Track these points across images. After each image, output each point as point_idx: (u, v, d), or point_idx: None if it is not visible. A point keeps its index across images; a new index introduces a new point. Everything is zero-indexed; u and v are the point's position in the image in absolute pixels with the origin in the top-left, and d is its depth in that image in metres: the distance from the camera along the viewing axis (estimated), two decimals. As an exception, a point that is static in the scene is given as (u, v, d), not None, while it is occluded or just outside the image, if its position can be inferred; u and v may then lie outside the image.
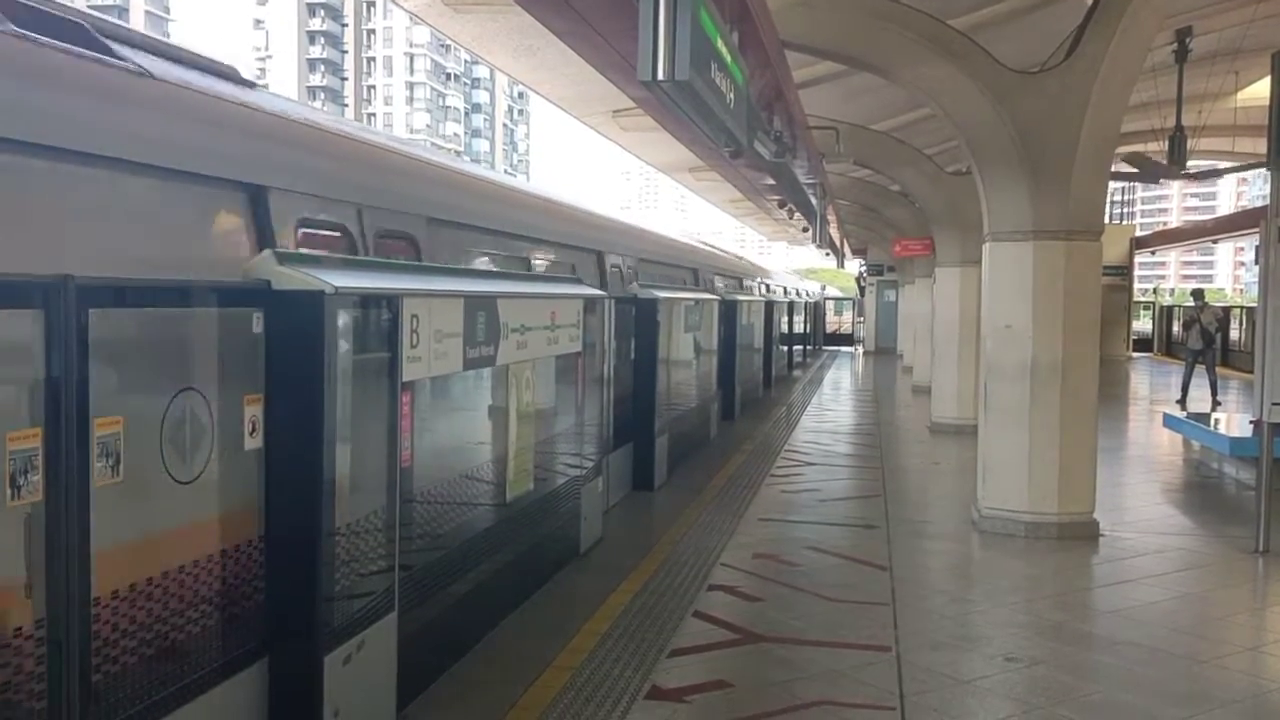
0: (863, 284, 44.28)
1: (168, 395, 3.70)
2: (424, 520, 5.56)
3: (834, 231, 27.63)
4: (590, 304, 8.56)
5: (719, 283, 18.34)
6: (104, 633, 3.39)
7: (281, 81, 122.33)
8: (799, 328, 35.25)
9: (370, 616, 4.74)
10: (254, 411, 4.16)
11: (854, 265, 48.02)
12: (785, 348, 30.19)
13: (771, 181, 15.74)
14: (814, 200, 17.14)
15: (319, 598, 4.29)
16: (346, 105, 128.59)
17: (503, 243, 7.71)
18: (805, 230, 23.54)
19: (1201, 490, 12.40)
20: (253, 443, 4.16)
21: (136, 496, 3.54)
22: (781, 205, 19.68)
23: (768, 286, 27.33)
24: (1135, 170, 17.49)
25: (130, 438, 3.45)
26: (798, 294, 35.10)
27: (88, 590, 3.28)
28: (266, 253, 4.25)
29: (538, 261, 8.67)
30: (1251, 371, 9.62)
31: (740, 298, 19.61)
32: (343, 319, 4.41)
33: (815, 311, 43.76)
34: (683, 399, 13.48)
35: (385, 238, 5.50)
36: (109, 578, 3.40)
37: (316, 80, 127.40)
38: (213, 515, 3.98)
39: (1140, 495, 11.73)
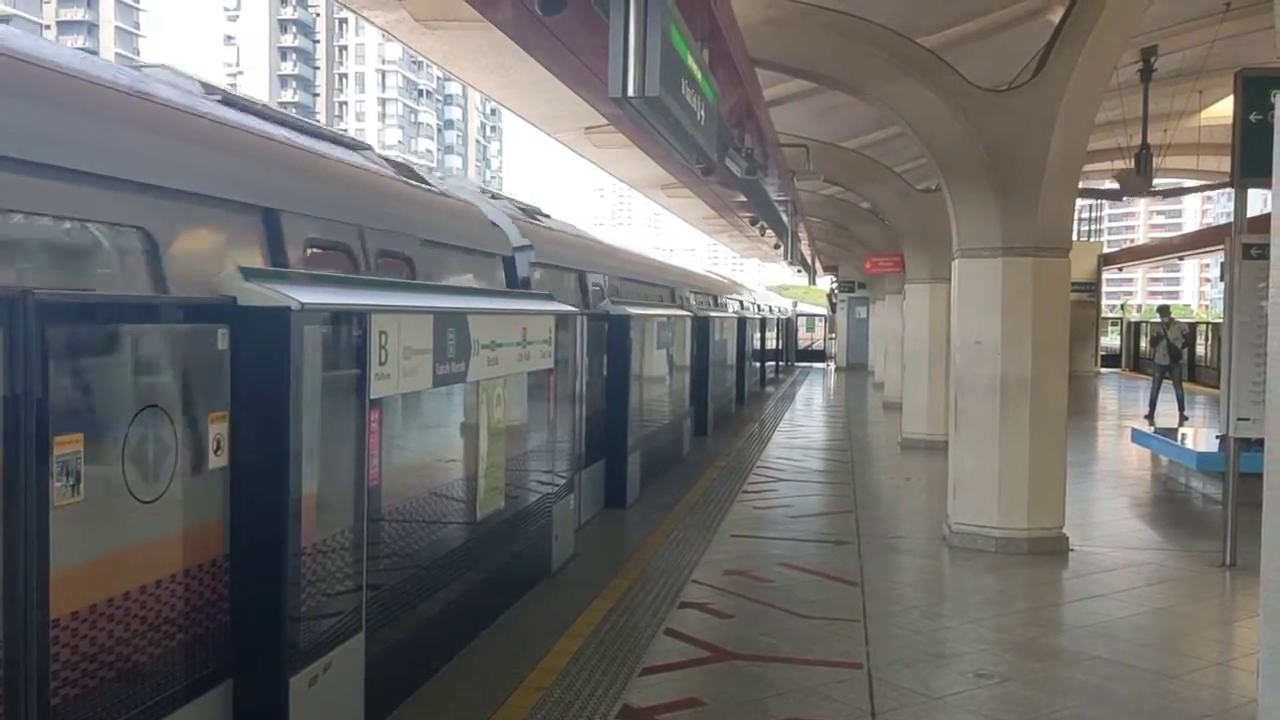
0: (834, 300, 44.46)
1: (130, 413, 3.65)
2: (392, 539, 5.51)
3: (805, 248, 27.75)
4: (562, 320, 8.54)
5: (692, 299, 18.52)
6: (63, 654, 3.32)
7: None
8: (771, 344, 35.38)
9: (337, 637, 4.68)
10: (219, 429, 4.11)
11: (825, 282, 48.23)
12: (758, 364, 30.28)
13: (743, 198, 15.79)
14: (785, 217, 17.23)
15: (285, 618, 4.24)
16: (318, 121, 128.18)
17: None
18: (777, 247, 23.63)
19: (1169, 505, 12.49)
20: (218, 461, 4.11)
21: (97, 516, 3.48)
22: (753, 222, 19.73)
23: (741, 303, 27.50)
24: (1106, 188, 17.70)
25: (91, 456, 3.40)
26: (770, 310, 35.23)
27: (46, 611, 3.21)
28: (232, 268, 4.21)
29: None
30: (1217, 386, 9.70)
31: (713, 314, 19.65)
32: (310, 335, 4.37)
33: (787, 328, 43.93)
34: (655, 415, 13.46)
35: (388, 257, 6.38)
36: (69, 598, 3.34)
37: (289, 96, 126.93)
38: (176, 535, 3.92)
39: (1109, 510, 11.81)
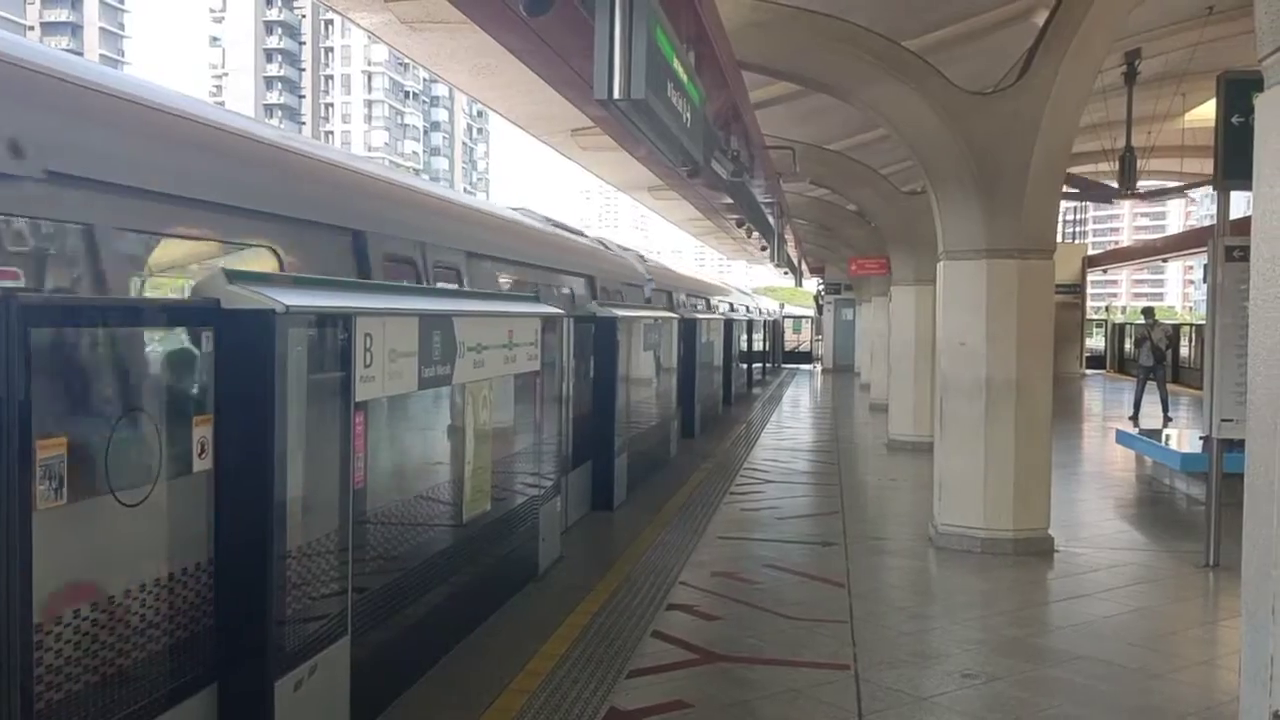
0: (820, 302, 44.54)
1: (114, 416, 3.63)
2: (378, 542, 5.50)
3: (792, 250, 27.81)
4: (548, 322, 8.54)
5: (723, 305, 21.98)
6: (47, 659, 3.31)
7: (238, 99, 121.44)
8: (758, 345, 35.42)
9: (322, 641, 4.66)
10: (203, 432, 4.09)
11: (812, 283, 48.33)
12: (745, 365, 30.31)
13: (729, 200, 15.80)
14: (771, 219, 17.26)
15: (270, 622, 4.22)
16: (303, 123, 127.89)
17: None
18: (764, 249, 23.66)
19: (1154, 505, 12.55)
20: (202, 464, 4.09)
21: (81, 520, 3.47)
22: (740, 224, 19.75)
23: (731, 305, 27.70)
24: (1082, 190, 17.80)
25: (74, 459, 3.38)
26: (757, 312, 35.26)
27: (30, 615, 3.20)
28: (216, 270, 4.19)
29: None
30: (1201, 388, 9.76)
31: (700, 316, 19.67)
32: (294, 338, 4.36)
33: (774, 329, 43.98)
34: (642, 417, 13.46)
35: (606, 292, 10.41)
36: (52, 603, 3.32)
37: (274, 98, 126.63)
38: (160, 538, 3.91)
39: (1094, 511, 11.86)
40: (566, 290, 11.54)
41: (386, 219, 6.69)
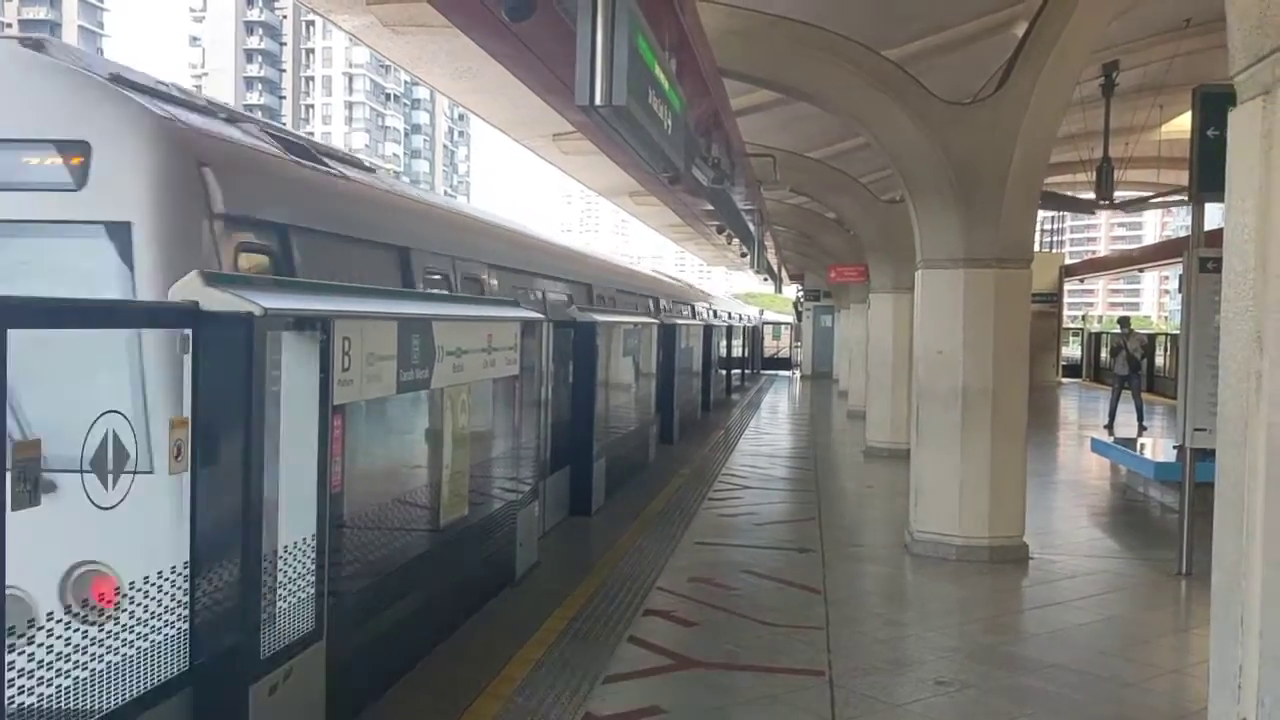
0: (800, 309, 44.66)
1: (90, 417, 3.61)
2: (355, 546, 5.48)
3: (772, 257, 27.86)
4: (528, 327, 8.54)
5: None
6: (18, 662, 3.28)
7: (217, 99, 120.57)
8: (737, 352, 35.49)
9: (298, 645, 4.64)
10: (180, 434, 4.08)
11: (792, 290, 48.45)
12: (724, 371, 30.37)
13: (710, 207, 15.83)
14: (752, 226, 17.28)
15: (245, 625, 4.20)
16: (284, 124, 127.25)
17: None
18: (743, 255, 23.72)
19: (1128, 514, 12.64)
20: (178, 466, 4.07)
21: (55, 521, 3.44)
22: (720, 231, 19.81)
23: (714, 311, 28.00)
24: (1056, 205, 17.93)
25: (51, 460, 3.36)
26: (737, 318, 35.34)
27: (1, 617, 3.17)
28: (193, 273, 4.18)
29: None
30: (1176, 397, 9.84)
31: (679, 321, 19.70)
32: (273, 341, 4.34)
33: (753, 336, 44.07)
34: (621, 422, 13.47)
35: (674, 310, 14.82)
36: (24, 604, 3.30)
37: (254, 99, 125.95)
38: (136, 540, 3.89)
39: (1069, 519, 11.94)
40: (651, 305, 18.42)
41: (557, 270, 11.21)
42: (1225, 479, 2.87)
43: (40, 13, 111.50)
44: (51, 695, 3.44)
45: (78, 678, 3.56)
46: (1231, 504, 2.82)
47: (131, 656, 3.84)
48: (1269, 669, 2.56)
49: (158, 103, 5.02)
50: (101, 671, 3.68)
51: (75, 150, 4.55)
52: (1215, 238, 8.37)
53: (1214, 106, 8.76)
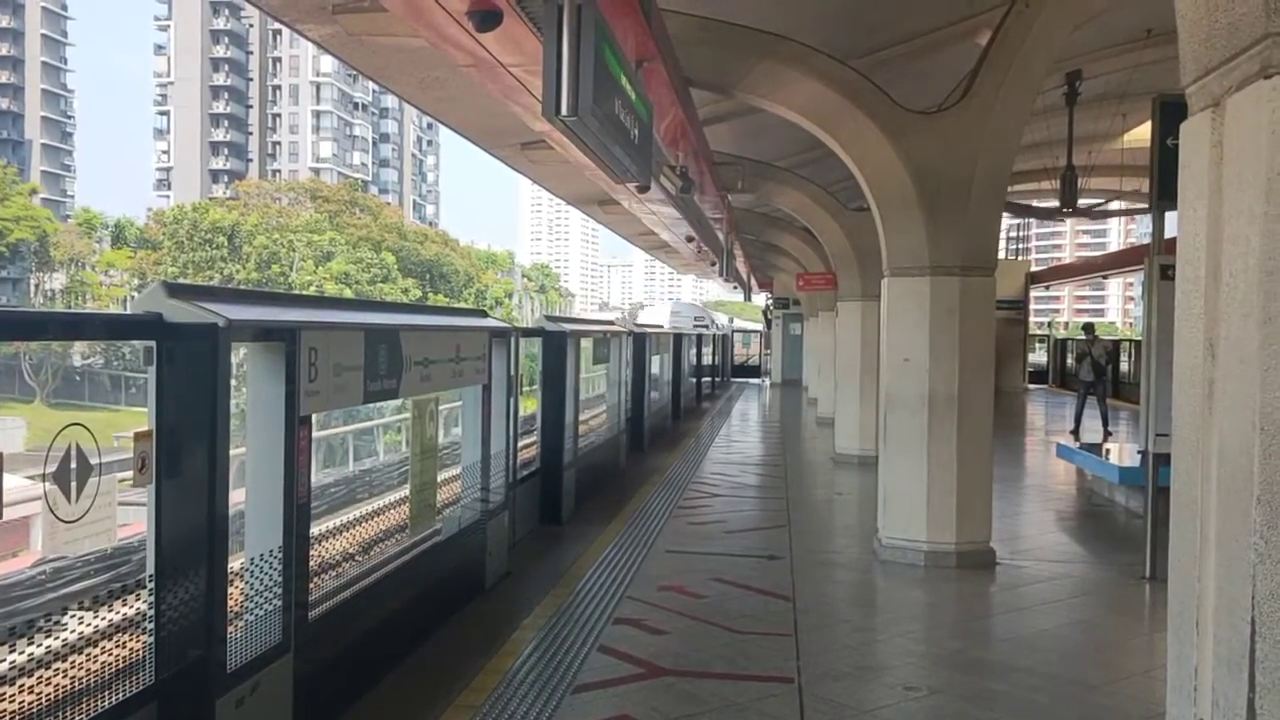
0: (769, 317, 44.82)
1: (53, 429, 3.59)
2: (322, 557, 5.46)
3: (741, 265, 27.95)
4: (497, 336, 8.53)
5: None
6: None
7: (183, 108, 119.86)
8: (708, 360, 35.59)
9: (265, 658, 4.62)
10: (144, 446, 4.05)
11: (761, 298, 48.61)
12: (694, 380, 30.43)
13: (678, 215, 15.89)
14: (720, 234, 17.35)
15: (210, 639, 4.18)
16: (251, 133, 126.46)
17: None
18: (713, 264, 23.79)
19: (1093, 518, 12.76)
20: (143, 479, 4.04)
21: (17, 535, 3.42)
22: (689, 240, 19.87)
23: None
24: (1019, 212, 18.10)
25: (11, 474, 3.33)
26: (706, 327, 35.43)
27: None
28: (157, 284, 4.16)
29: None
30: (1140, 403, 9.96)
31: (650, 330, 19.73)
32: (238, 352, 4.33)
33: (724, 344, 44.20)
34: (592, 431, 13.47)
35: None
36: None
37: (220, 108, 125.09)
38: (100, 553, 3.86)
39: (1035, 524, 12.05)
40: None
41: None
42: (1180, 484, 2.92)
43: (3, 21, 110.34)
44: (13, 711, 3.41)
45: (42, 691, 3.53)
46: (1186, 508, 2.87)
47: (96, 670, 3.81)
48: (1222, 671, 2.61)
49: None
50: (66, 685, 3.65)
51: None
52: (1175, 245, 8.50)
53: (1173, 116, 8.89)
